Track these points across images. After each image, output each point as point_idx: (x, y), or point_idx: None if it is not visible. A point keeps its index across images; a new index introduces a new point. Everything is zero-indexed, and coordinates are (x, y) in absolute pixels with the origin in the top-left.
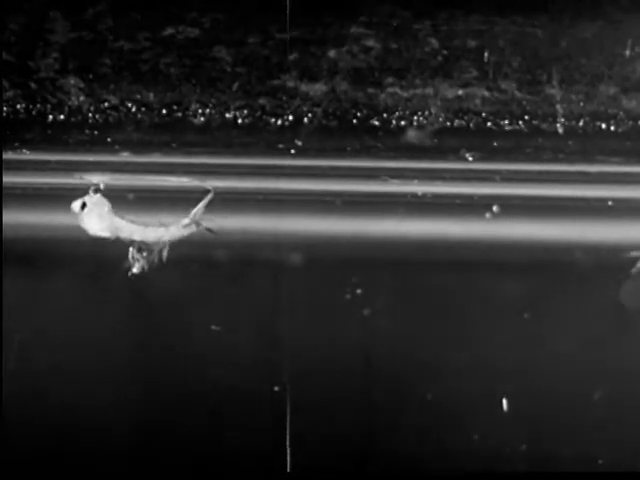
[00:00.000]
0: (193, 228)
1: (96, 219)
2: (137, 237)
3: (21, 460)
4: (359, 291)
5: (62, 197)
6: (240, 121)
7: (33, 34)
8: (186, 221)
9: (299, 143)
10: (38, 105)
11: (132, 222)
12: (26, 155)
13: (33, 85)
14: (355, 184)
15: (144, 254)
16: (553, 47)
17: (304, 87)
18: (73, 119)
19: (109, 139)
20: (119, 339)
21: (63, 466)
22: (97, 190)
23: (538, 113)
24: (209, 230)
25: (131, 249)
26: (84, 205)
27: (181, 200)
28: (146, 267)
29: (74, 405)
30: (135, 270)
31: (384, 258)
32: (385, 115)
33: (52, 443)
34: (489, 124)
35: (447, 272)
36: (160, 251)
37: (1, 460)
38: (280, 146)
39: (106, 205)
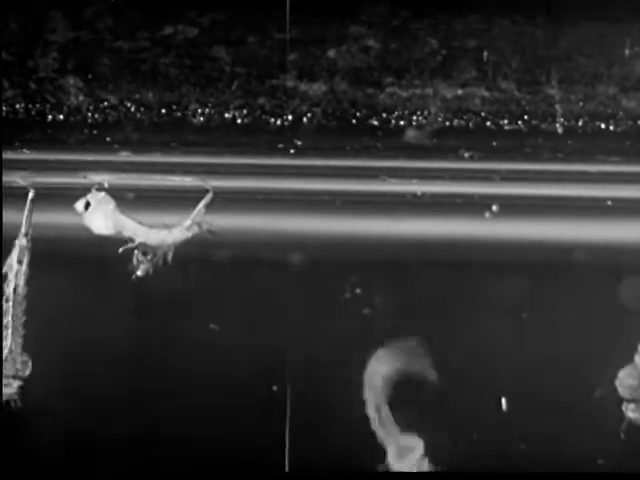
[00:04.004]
0: (196, 229)
1: (101, 217)
2: (140, 238)
3: (21, 463)
4: (358, 291)
5: (62, 196)
6: (239, 121)
7: (32, 33)
8: (188, 223)
9: (298, 143)
10: (37, 105)
11: (137, 222)
12: (26, 155)
13: (32, 85)
14: (354, 184)
15: (149, 257)
16: (552, 47)
17: (303, 87)
18: (72, 119)
19: (108, 139)
20: (119, 339)
21: (63, 465)
22: (101, 188)
23: (537, 113)
24: (211, 232)
25: (136, 252)
26: (88, 204)
27: (183, 200)
28: (151, 270)
29: (76, 403)
30: (140, 273)
31: (383, 258)
32: (384, 115)
33: (54, 441)
34: (488, 124)
35: (446, 272)
36: (164, 254)
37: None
38: (279, 146)
39: (111, 203)
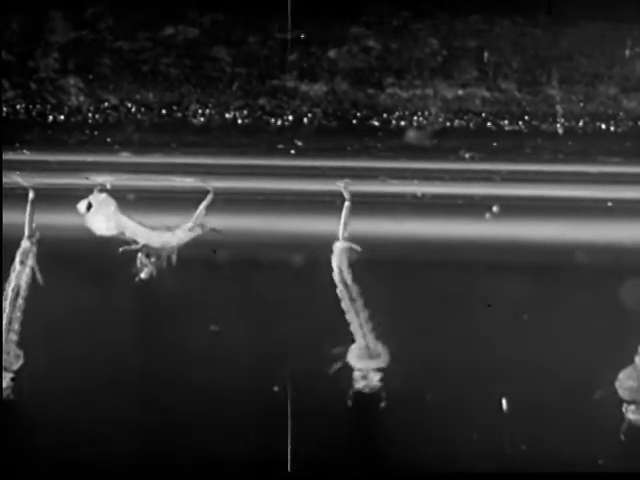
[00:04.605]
0: (198, 231)
1: (102, 218)
2: (141, 239)
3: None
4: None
5: (62, 197)
6: (240, 121)
7: (33, 34)
8: (190, 225)
9: (299, 143)
10: (38, 105)
11: (139, 224)
12: (26, 156)
13: (33, 85)
14: (355, 184)
15: (152, 260)
16: (553, 47)
17: (304, 87)
18: (73, 119)
19: (109, 139)
20: (119, 340)
21: (62, 466)
22: (103, 190)
23: (538, 113)
24: (214, 230)
25: (139, 255)
26: (90, 206)
27: (184, 200)
28: (154, 273)
29: (77, 401)
30: (143, 275)
31: (384, 258)
32: (385, 115)
33: (54, 442)
34: (489, 124)
35: (447, 272)
36: (168, 256)
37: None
38: (280, 146)
39: (112, 204)
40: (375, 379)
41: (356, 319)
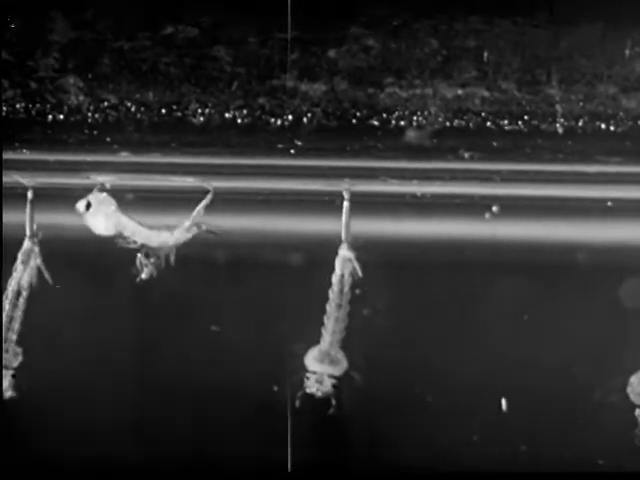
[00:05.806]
0: (195, 230)
1: (102, 218)
2: (140, 239)
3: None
4: (358, 291)
5: (62, 197)
6: (239, 121)
7: (33, 33)
8: (188, 224)
9: (298, 143)
10: (38, 105)
11: (138, 223)
12: (26, 155)
13: (33, 85)
14: (355, 184)
15: (152, 260)
16: (553, 47)
17: (304, 87)
18: (72, 119)
19: (108, 139)
20: (120, 339)
21: (61, 463)
22: (103, 189)
23: (537, 113)
24: (211, 232)
25: (139, 255)
26: (89, 205)
27: (183, 200)
28: (154, 273)
29: (76, 401)
30: (144, 276)
31: (383, 258)
32: (385, 115)
33: (54, 440)
34: (488, 124)
35: (446, 272)
36: (167, 256)
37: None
38: (279, 146)
39: (112, 204)
40: (329, 385)
41: (332, 325)
